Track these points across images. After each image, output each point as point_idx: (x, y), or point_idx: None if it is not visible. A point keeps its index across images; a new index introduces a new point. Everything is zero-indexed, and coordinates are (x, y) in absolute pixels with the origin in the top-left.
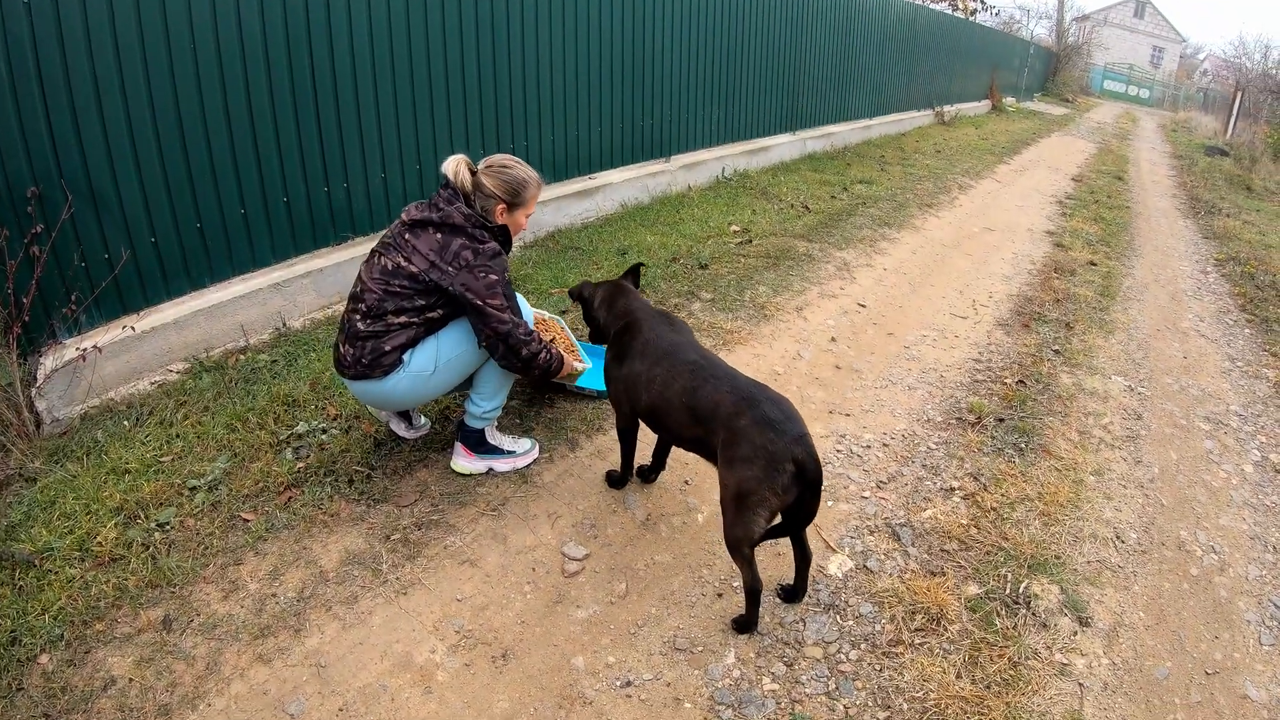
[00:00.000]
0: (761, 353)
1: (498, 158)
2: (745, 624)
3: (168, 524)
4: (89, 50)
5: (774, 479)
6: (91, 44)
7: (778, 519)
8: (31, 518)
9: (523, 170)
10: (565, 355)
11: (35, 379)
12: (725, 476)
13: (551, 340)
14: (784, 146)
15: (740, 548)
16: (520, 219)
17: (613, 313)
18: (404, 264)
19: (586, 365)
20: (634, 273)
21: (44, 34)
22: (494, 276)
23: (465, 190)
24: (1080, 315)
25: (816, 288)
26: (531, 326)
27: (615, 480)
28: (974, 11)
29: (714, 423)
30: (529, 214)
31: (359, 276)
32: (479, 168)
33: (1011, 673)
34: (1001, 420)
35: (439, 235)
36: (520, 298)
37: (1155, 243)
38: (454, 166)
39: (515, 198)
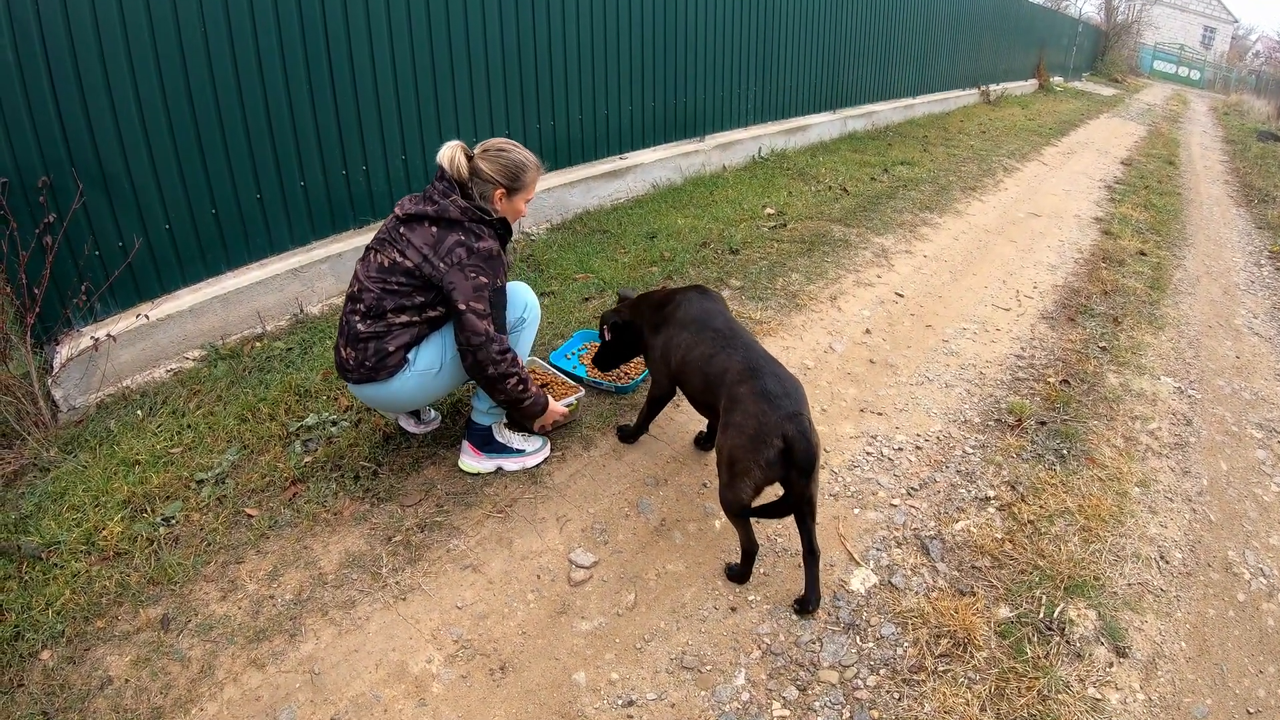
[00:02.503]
0: (792, 344)
1: (494, 141)
2: (738, 575)
3: (173, 518)
4: (97, 33)
5: (760, 451)
6: (100, 26)
7: (777, 495)
8: (42, 509)
9: (520, 153)
10: (552, 400)
11: (51, 367)
12: (720, 440)
13: (543, 386)
14: (823, 126)
15: (732, 510)
16: (519, 205)
17: (650, 301)
18: (399, 259)
19: (574, 407)
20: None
21: (50, 16)
22: (484, 279)
23: (461, 178)
24: (1129, 309)
25: (852, 275)
26: (519, 354)
27: (627, 434)
28: None
29: (720, 388)
30: (528, 199)
31: (355, 275)
32: (475, 153)
33: (1040, 707)
34: (1043, 423)
35: (434, 229)
36: (526, 288)
37: (1207, 232)
38: (449, 154)
39: (514, 182)
